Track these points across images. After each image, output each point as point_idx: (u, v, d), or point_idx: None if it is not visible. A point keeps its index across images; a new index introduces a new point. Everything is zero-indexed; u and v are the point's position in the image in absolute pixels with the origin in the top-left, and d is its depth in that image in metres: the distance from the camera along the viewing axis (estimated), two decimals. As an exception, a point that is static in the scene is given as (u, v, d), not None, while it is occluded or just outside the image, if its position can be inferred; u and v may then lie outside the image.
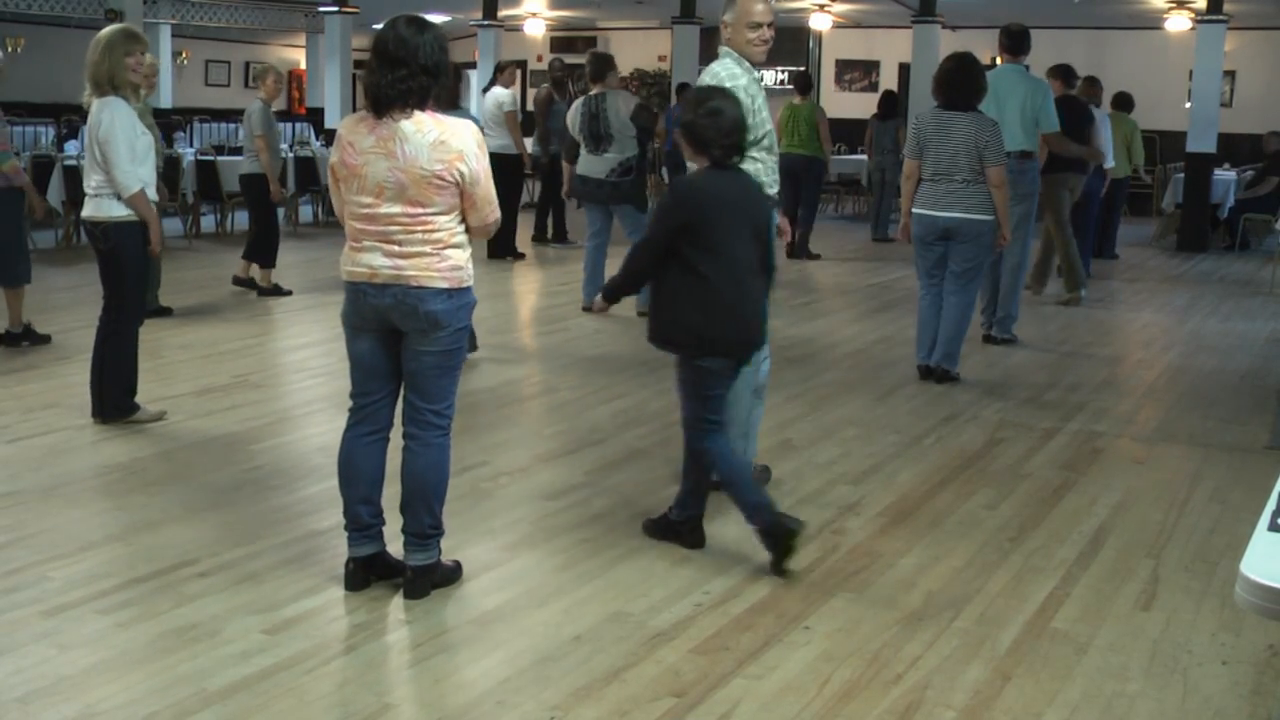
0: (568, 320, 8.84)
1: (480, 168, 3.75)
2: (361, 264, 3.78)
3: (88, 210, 5.71)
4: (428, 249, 3.72)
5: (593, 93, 8.93)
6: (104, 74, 5.59)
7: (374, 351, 3.88)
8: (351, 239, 3.82)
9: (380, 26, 3.77)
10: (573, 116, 9.05)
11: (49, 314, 8.49)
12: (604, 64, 9.06)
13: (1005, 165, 6.87)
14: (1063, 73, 10.03)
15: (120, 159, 5.53)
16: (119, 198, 5.59)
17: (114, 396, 5.82)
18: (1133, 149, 12.78)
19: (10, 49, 18.23)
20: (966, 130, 6.78)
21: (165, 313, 8.27)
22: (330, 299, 7.94)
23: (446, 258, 3.75)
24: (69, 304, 8.78)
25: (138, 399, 5.86)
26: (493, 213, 3.85)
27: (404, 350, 3.85)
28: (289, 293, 9.47)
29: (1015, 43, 8.25)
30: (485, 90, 12.61)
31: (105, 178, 5.60)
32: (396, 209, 3.70)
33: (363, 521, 3.95)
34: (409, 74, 3.65)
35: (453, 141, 3.69)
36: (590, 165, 8.79)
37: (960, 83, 6.89)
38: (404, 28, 3.70)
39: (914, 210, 6.99)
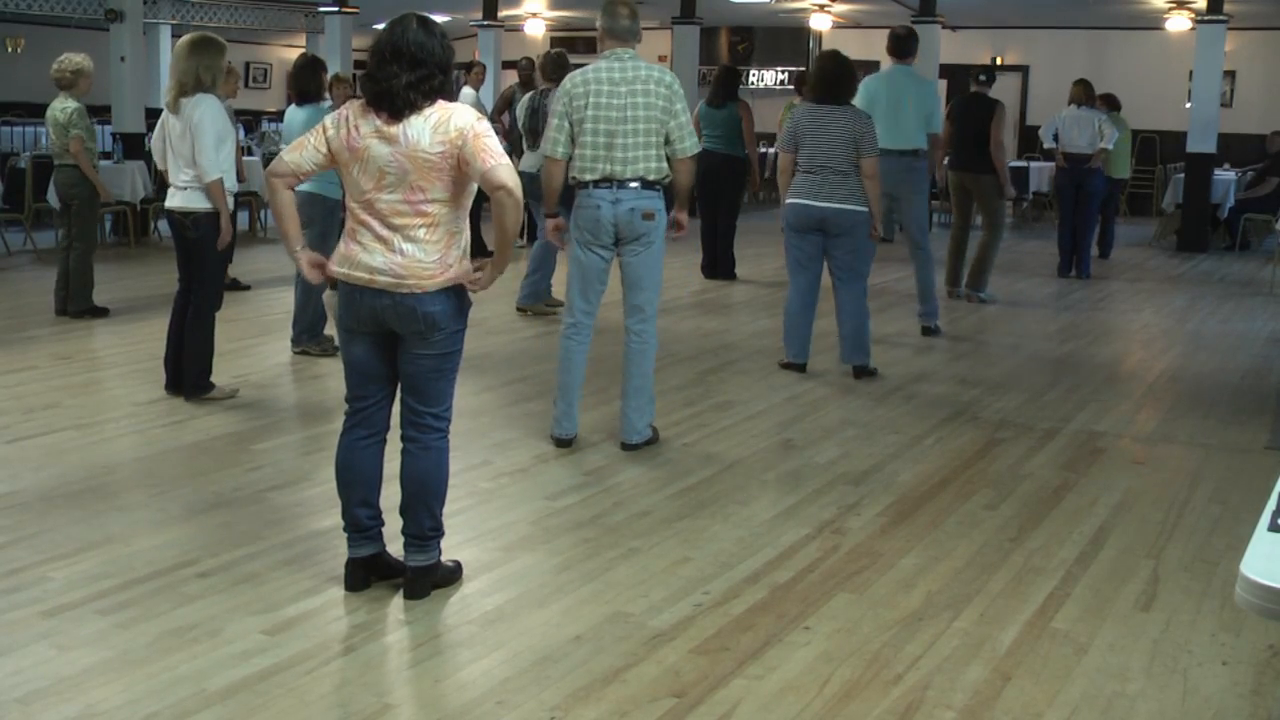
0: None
1: (482, 129, 3.66)
2: (360, 266, 3.74)
3: (176, 201, 6.14)
4: (427, 247, 3.71)
5: (540, 88, 8.92)
6: (208, 76, 6.07)
7: (369, 355, 3.87)
8: (349, 236, 3.80)
9: (387, 26, 3.73)
10: (520, 111, 9.14)
11: (48, 313, 8.51)
12: (560, 64, 9.02)
13: (878, 158, 7.07)
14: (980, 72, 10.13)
15: (207, 148, 5.98)
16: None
17: (191, 376, 6.26)
18: (1125, 150, 12.84)
19: (10, 49, 18.24)
20: (844, 124, 6.94)
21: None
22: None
23: (445, 258, 3.74)
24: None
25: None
26: (495, 156, 3.61)
27: (401, 353, 3.84)
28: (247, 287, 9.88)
29: (903, 46, 8.69)
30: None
31: (196, 171, 6.03)
32: (397, 196, 3.68)
33: (362, 524, 3.94)
34: (429, 74, 3.66)
35: (452, 122, 3.67)
36: (530, 161, 8.76)
37: (841, 79, 7.14)
38: (419, 30, 3.69)
39: (790, 200, 7.11)
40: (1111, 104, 12.85)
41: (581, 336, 5.59)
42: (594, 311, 5.61)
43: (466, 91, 11.94)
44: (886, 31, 8.92)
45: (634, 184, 5.35)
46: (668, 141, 5.40)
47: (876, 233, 7.13)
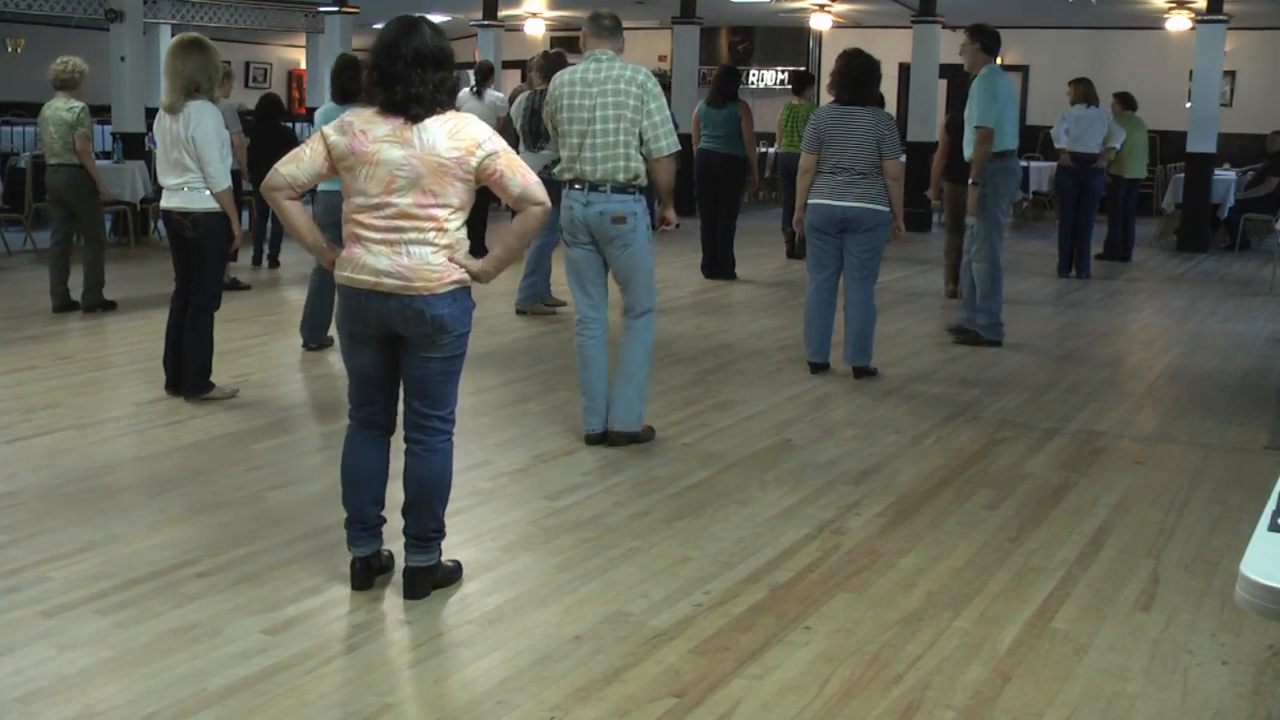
0: (565, 320, 8.83)
1: (500, 145, 3.74)
2: (365, 269, 3.72)
3: (175, 202, 6.15)
4: (432, 249, 3.70)
5: (538, 88, 8.85)
6: (208, 79, 6.10)
7: (374, 361, 3.85)
8: (351, 241, 3.77)
9: (399, 33, 3.70)
10: (515, 111, 9.10)
11: (48, 313, 8.51)
12: (556, 64, 8.95)
13: (902, 159, 7.04)
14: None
15: (214, 157, 6.03)
16: (207, 190, 6.06)
17: (191, 376, 6.26)
18: (1142, 150, 12.85)
19: (10, 49, 18.24)
20: (868, 126, 6.92)
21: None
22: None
23: (450, 260, 3.73)
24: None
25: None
26: (527, 173, 3.77)
27: (407, 357, 3.82)
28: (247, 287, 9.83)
29: (996, 43, 8.41)
30: (476, 93, 12.26)
31: (195, 173, 6.04)
32: (407, 200, 3.67)
33: (370, 521, 3.94)
34: (447, 75, 3.71)
35: (467, 130, 3.70)
36: (528, 161, 8.67)
37: (865, 78, 7.07)
38: (433, 33, 3.72)
39: (812, 201, 7.08)
40: (1127, 103, 12.86)
41: (591, 331, 5.63)
42: (600, 304, 5.63)
43: (495, 95, 11.94)
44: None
45: (605, 186, 5.39)
46: (642, 141, 5.39)
47: (900, 232, 7.14)
